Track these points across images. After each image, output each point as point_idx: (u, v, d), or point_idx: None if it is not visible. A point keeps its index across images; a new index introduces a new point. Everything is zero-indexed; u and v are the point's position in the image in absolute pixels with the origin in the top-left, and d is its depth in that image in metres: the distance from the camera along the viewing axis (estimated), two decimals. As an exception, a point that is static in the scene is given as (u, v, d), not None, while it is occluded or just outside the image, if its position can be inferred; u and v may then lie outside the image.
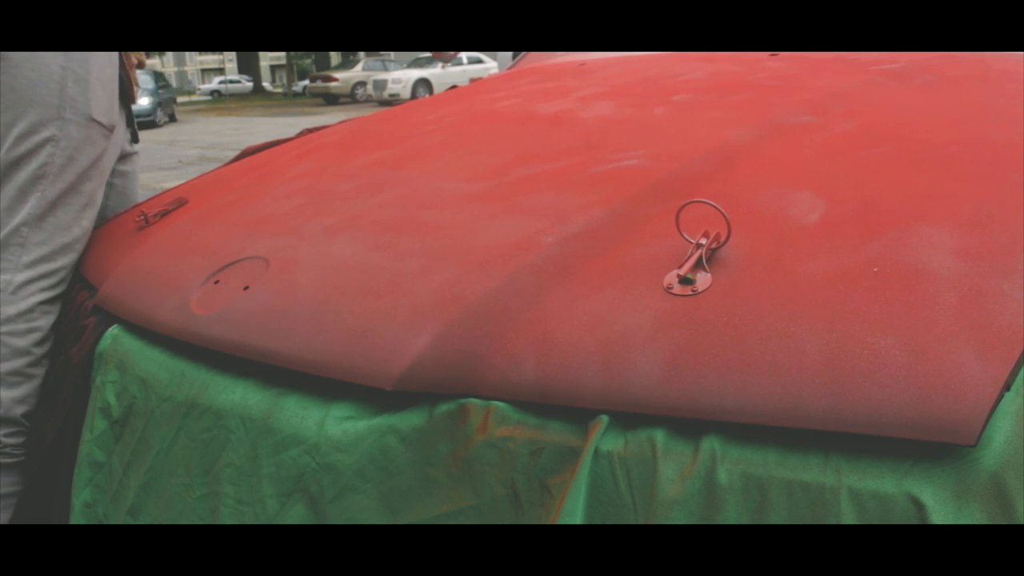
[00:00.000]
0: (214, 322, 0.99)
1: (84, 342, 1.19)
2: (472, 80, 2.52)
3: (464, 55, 22.23)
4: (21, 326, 1.34)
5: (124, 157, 1.68)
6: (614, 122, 1.26)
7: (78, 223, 1.42)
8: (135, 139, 1.71)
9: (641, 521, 0.71)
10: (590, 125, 1.26)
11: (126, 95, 1.59)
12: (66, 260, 1.41)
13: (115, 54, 1.49)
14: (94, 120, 1.42)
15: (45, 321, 1.37)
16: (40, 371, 1.37)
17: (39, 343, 1.36)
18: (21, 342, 1.34)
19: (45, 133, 1.38)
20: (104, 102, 1.45)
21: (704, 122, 1.19)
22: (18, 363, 1.34)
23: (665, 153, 1.07)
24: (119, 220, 1.49)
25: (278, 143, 1.74)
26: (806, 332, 0.73)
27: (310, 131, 1.82)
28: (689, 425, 0.72)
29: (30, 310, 1.35)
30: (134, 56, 1.62)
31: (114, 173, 1.66)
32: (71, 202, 1.41)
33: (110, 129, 1.46)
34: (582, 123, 1.28)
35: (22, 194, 1.37)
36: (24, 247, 1.37)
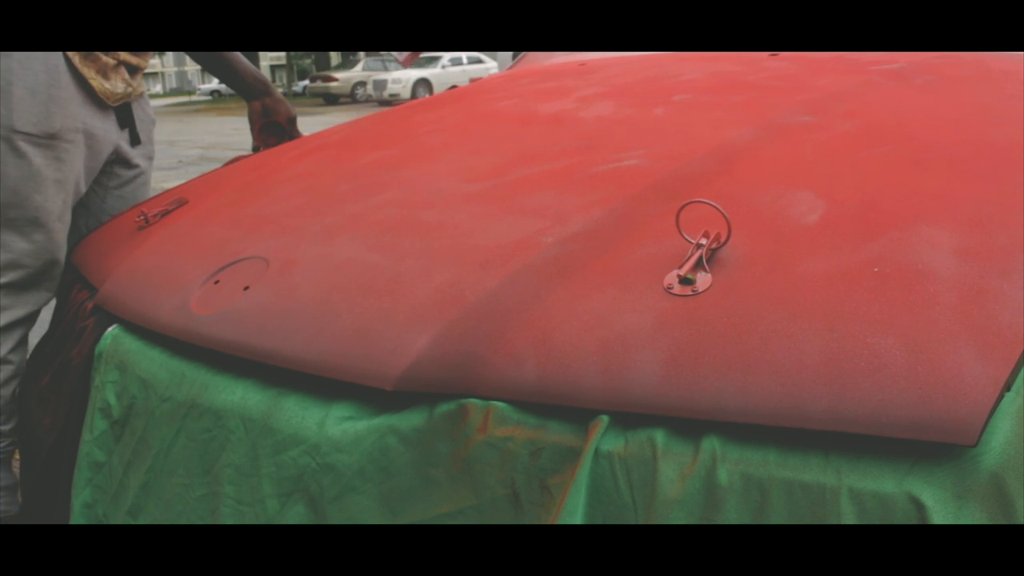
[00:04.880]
0: (214, 322, 0.99)
1: (84, 342, 1.19)
2: (472, 80, 2.52)
3: (464, 55, 22.21)
4: None
5: (124, 162, 1.62)
6: (614, 122, 1.26)
7: (27, 238, 1.38)
8: (135, 141, 1.63)
9: (641, 521, 0.71)
10: (590, 125, 1.26)
11: (97, 99, 1.49)
12: (13, 276, 1.37)
13: (59, 61, 1.41)
14: (18, 131, 1.36)
15: None
16: (5, 392, 1.35)
17: None
18: None
19: None
20: (33, 111, 1.38)
21: (704, 122, 1.19)
22: None
23: (665, 153, 1.07)
24: (119, 220, 1.49)
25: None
26: (806, 332, 0.73)
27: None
28: (689, 425, 0.72)
29: None
30: (104, 57, 1.49)
31: (111, 176, 1.60)
32: (14, 217, 1.37)
33: (46, 136, 1.39)
34: (582, 123, 1.28)
35: None
36: None
